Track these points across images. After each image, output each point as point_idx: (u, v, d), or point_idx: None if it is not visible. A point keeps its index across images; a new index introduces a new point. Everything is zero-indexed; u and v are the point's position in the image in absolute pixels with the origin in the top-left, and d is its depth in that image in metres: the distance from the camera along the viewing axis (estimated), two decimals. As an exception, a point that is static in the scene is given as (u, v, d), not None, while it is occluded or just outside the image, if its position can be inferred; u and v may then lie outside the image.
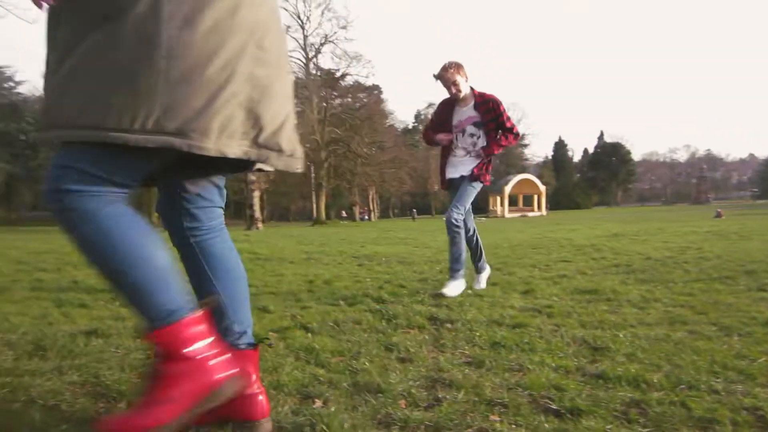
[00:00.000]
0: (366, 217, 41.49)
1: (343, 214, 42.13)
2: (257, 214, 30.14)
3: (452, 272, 3.66)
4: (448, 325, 2.56)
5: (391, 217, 51.40)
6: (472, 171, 3.71)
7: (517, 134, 3.76)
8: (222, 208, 1.46)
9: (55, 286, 4.05)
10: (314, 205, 36.67)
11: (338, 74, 38.74)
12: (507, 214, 41.21)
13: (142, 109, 1.10)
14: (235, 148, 1.19)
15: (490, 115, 3.71)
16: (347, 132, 37.13)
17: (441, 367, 1.87)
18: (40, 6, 1.21)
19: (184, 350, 1.20)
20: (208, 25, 1.15)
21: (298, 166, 1.35)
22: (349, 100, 40.31)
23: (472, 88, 3.77)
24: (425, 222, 31.50)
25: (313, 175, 36.26)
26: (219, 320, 1.38)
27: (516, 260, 5.80)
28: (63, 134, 1.12)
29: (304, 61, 36.93)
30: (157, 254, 1.20)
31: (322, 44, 36.68)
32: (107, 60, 1.10)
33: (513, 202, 47.63)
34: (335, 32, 36.64)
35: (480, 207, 46.66)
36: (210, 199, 1.41)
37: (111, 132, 1.09)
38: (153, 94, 1.10)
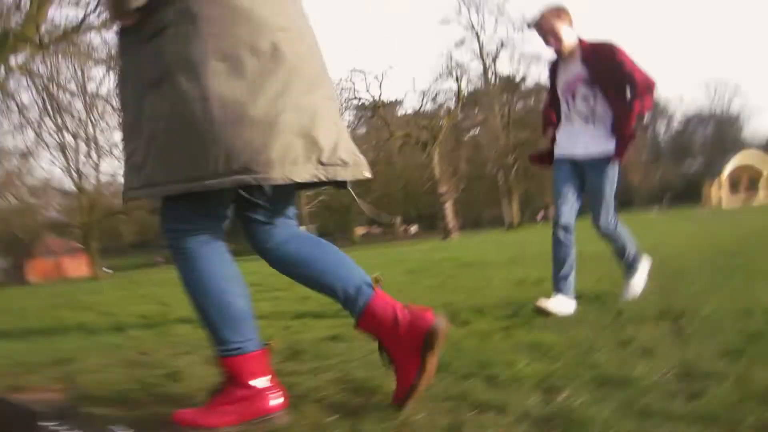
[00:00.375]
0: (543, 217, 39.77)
1: (539, 216, 40.75)
2: (451, 224, 30.82)
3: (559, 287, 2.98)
4: (686, 318, 2.32)
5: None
6: (613, 153, 2.81)
7: (650, 85, 2.76)
8: (294, 217, 1.62)
9: (292, 299, 4.62)
10: (505, 210, 36.19)
11: (517, 78, 38.23)
12: (726, 204, 35.18)
13: (210, 157, 1.28)
14: (302, 172, 1.34)
15: (605, 66, 2.81)
16: (533, 134, 36.21)
17: (690, 359, 1.71)
18: (115, 22, 1.44)
19: (248, 381, 1.46)
20: (251, 70, 1.30)
21: (364, 172, 1.48)
22: (532, 102, 39.32)
23: (580, 40, 2.94)
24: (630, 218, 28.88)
25: (501, 180, 35.87)
26: (333, 294, 1.52)
27: (753, 248, 5.03)
28: (151, 192, 1.37)
29: (482, 69, 37.04)
30: (229, 294, 1.45)
31: (498, 50, 36.47)
32: (171, 120, 1.31)
33: (734, 185, 40.58)
34: (511, 37, 36.23)
35: (688, 196, 41.11)
36: (282, 216, 1.57)
37: (188, 183, 1.31)
38: (216, 142, 1.28)
